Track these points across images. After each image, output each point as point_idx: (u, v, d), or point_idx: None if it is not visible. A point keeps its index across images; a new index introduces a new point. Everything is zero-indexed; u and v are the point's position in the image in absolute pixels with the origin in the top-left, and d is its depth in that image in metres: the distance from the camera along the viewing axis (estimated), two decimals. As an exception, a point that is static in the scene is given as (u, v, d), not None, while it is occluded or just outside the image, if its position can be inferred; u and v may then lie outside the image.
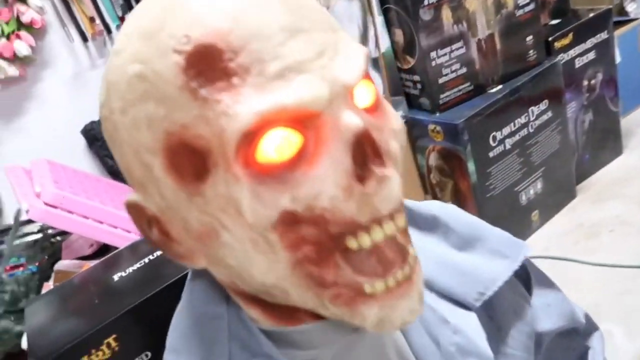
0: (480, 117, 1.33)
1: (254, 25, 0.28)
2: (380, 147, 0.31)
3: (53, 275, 1.38)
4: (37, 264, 1.66)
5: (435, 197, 1.60)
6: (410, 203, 0.46)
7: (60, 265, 1.36)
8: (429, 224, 0.45)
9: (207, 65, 0.29)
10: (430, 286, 0.43)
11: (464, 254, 0.44)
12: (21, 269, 1.64)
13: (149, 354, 0.92)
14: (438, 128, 1.40)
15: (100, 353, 0.87)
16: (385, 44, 1.39)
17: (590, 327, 0.59)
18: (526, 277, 0.51)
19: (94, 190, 1.59)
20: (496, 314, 0.45)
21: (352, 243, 0.31)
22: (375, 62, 1.40)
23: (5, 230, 1.61)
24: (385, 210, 0.31)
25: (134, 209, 0.36)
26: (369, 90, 0.33)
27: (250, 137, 0.29)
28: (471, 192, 1.42)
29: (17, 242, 1.62)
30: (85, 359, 0.87)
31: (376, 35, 1.37)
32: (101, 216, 1.36)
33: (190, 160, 0.30)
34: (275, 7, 0.29)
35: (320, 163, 0.30)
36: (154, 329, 0.94)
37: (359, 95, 0.32)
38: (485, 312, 0.45)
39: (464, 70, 1.34)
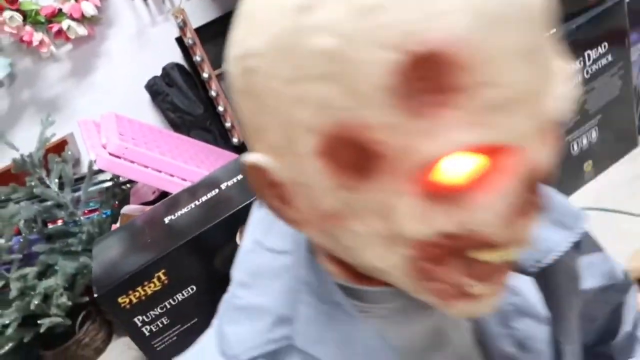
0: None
1: (499, 42, 0.24)
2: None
3: (120, 217, 1.53)
4: (109, 208, 1.85)
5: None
6: None
7: (126, 209, 1.50)
8: None
9: (432, 75, 0.24)
10: None
11: None
12: (96, 213, 1.83)
13: (194, 287, 1.02)
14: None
15: (152, 285, 0.98)
16: None
17: (627, 283, 0.60)
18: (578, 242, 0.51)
19: (155, 141, 1.71)
20: (552, 282, 0.46)
21: (473, 254, 0.30)
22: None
23: (82, 179, 1.79)
24: (524, 238, 0.30)
25: (255, 170, 0.32)
26: None
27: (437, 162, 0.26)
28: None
29: (92, 189, 1.80)
30: (139, 289, 0.98)
31: None
32: (159, 165, 1.47)
33: (354, 156, 0.27)
34: (520, 24, 0.24)
35: (494, 191, 0.27)
36: (200, 266, 1.04)
37: None
38: (544, 279, 0.45)
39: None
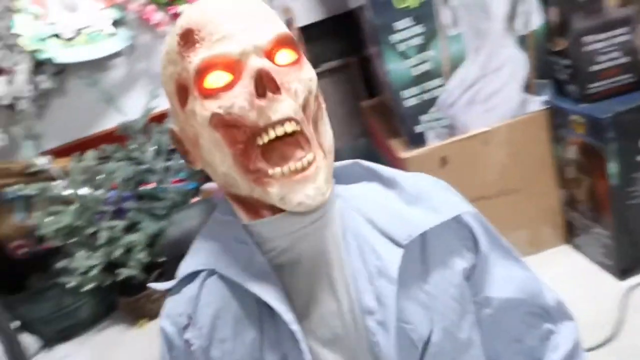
0: (634, 114, 1.19)
1: (211, 15, 0.50)
2: (278, 82, 0.48)
3: (200, 192, 1.65)
4: (195, 182, 1.99)
5: (569, 194, 1.48)
6: (378, 168, 0.60)
7: (206, 186, 1.61)
8: (390, 184, 0.58)
9: (186, 39, 0.51)
10: (375, 225, 0.55)
11: (409, 207, 0.56)
12: (183, 183, 1.99)
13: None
14: (581, 120, 1.28)
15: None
16: (537, 22, 1.29)
17: (560, 315, 0.62)
18: (474, 240, 0.58)
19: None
20: (426, 257, 0.55)
21: (259, 140, 0.49)
22: (522, 40, 1.31)
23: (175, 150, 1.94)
24: (275, 118, 0.48)
25: (172, 134, 0.57)
26: (289, 53, 0.51)
27: (200, 74, 0.49)
28: (609, 196, 1.30)
29: (182, 161, 1.95)
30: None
31: (527, 12, 1.28)
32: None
33: (183, 94, 0.52)
34: (227, 4, 0.51)
35: (236, 87, 0.49)
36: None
37: (280, 55, 0.51)
38: (420, 254, 0.55)
39: (624, 59, 1.19)
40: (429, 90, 1.44)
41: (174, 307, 0.58)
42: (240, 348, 0.54)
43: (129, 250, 1.92)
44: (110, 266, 1.89)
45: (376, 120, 1.78)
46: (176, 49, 0.51)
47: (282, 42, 0.51)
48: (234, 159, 0.50)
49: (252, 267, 0.54)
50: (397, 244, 0.53)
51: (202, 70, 0.49)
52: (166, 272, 0.75)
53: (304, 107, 0.51)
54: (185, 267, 0.59)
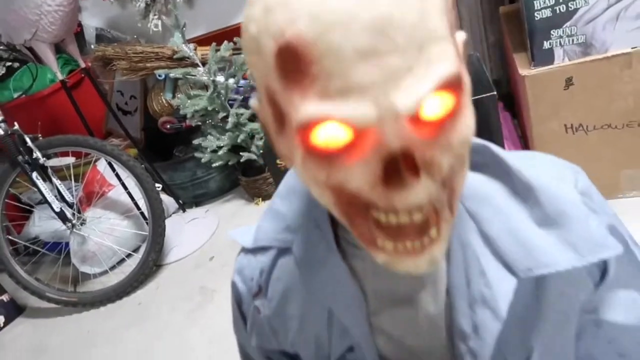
0: None
1: (334, 43, 0.31)
2: (418, 161, 0.35)
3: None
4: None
5: None
6: (517, 164, 0.47)
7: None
8: (523, 192, 0.46)
9: (290, 61, 0.33)
10: (490, 243, 0.45)
11: (539, 230, 0.45)
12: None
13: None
14: None
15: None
16: None
17: None
18: (605, 271, 0.48)
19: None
20: (542, 292, 0.46)
21: (374, 213, 0.38)
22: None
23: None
24: (401, 206, 0.35)
25: (256, 113, 0.44)
26: (444, 102, 0.34)
27: (305, 127, 0.34)
28: None
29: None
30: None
31: None
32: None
33: (277, 112, 0.37)
34: (358, 26, 0.31)
35: (356, 162, 0.35)
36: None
37: (431, 104, 0.34)
38: (536, 289, 0.46)
39: None
40: (566, 2, 1.29)
41: (246, 268, 0.56)
42: (307, 328, 0.53)
43: (251, 136, 2.13)
44: (236, 148, 2.12)
45: (508, 29, 1.65)
46: (271, 58, 0.34)
47: (442, 87, 0.33)
48: (335, 204, 0.39)
49: (328, 265, 0.49)
50: (513, 273, 0.44)
51: (310, 126, 0.34)
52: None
53: (446, 179, 0.37)
54: (263, 232, 0.54)
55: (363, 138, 0.34)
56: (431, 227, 0.38)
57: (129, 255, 2.13)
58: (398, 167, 0.34)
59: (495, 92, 1.33)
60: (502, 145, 1.24)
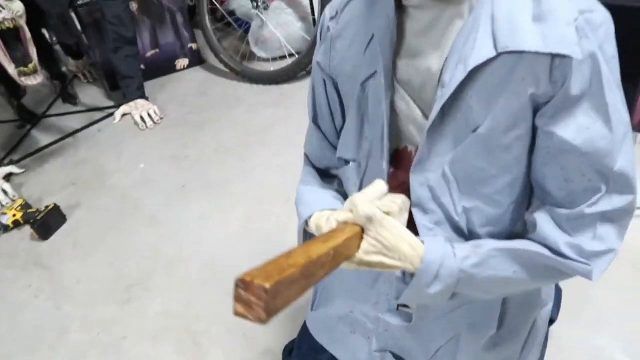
0: None
1: None
2: None
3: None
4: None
5: None
6: None
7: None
8: None
9: None
10: (492, 22, 0.56)
11: (531, 22, 0.55)
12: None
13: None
14: None
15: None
16: None
17: (619, 184, 0.59)
18: (564, 81, 0.55)
19: None
20: (510, 76, 0.56)
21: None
22: None
23: None
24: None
25: None
26: None
27: None
28: None
29: None
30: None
31: None
32: None
33: None
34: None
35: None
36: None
37: None
38: (508, 72, 0.56)
39: None
40: None
41: (336, 1, 0.72)
42: (351, 49, 0.68)
43: None
44: None
45: None
46: None
47: None
48: None
49: (383, 5, 0.62)
50: (495, 48, 0.55)
51: None
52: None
53: None
54: None
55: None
56: None
57: (290, 55, 2.42)
58: None
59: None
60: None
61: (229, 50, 2.51)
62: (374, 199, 0.62)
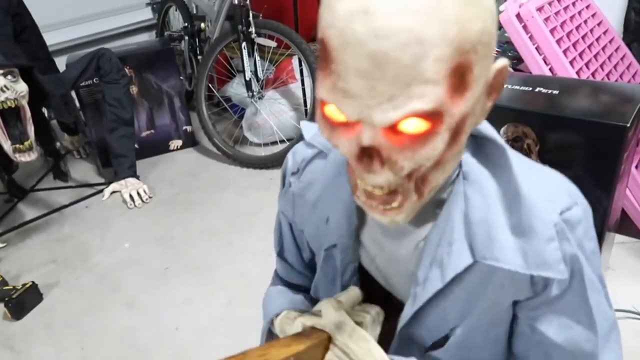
0: None
1: (346, 57, 0.41)
2: (384, 156, 0.44)
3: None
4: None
5: None
6: (521, 172, 0.54)
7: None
8: (511, 197, 0.53)
9: (323, 50, 0.43)
10: (467, 224, 0.54)
11: (509, 233, 0.53)
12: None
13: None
14: None
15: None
16: None
17: None
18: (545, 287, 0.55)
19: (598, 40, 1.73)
20: (489, 283, 0.55)
21: (357, 180, 0.50)
22: None
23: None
24: (367, 185, 0.48)
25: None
26: (419, 123, 0.42)
27: (320, 101, 0.46)
28: None
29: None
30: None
31: None
32: (546, 48, 1.57)
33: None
34: (363, 53, 0.39)
35: (346, 137, 0.46)
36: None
37: (407, 123, 0.42)
38: (487, 276, 0.55)
39: None
40: None
41: (298, 153, 0.69)
42: (313, 215, 0.66)
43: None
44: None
45: None
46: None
47: (417, 115, 0.42)
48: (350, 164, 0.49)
49: (341, 187, 0.61)
50: (472, 255, 0.53)
51: (322, 102, 0.46)
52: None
53: (410, 174, 0.47)
54: (318, 135, 0.67)
55: (351, 125, 0.45)
56: (394, 201, 0.49)
57: (282, 141, 2.50)
58: (371, 154, 0.45)
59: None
60: None
61: (223, 134, 2.59)
62: (347, 307, 0.59)
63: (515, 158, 0.55)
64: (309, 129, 0.70)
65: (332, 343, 0.56)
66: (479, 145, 0.56)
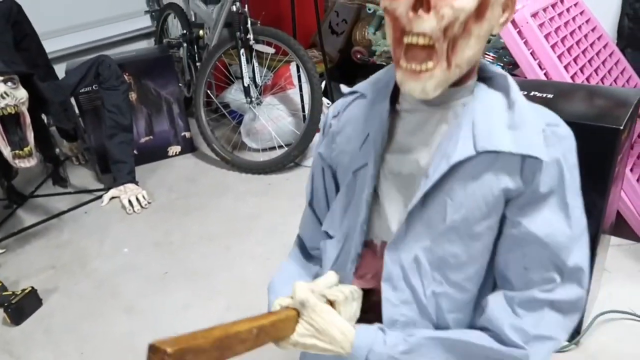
0: None
1: None
2: (432, 4, 0.57)
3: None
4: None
5: None
6: (515, 89, 0.67)
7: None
8: (510, 104, 0.66)
9: None
10: (473, 126, 0.65)
11: (506, 129, 0.64)
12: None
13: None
14: None
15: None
16: None
17: (572, 277, 0.67)
18: (534, 179, 0.64)
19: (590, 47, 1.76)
20: (485, 173, 0.65)
21: (404, 38, 0.61)
22: None
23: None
24: (415, 30, 0.59)
25: None
26: None
27: None
28: None
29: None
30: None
31: None
32: (541, 54, 1.59)
33: None
34: None
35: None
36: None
37: None
38: (484, 170, 0.65)
39: None
40: None
41: (338, 103, 0.81)
42: (350, 143, 0.76)
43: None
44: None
45: None
46: None
47: None
48: (392, 40, 0.64)
49: (380, 107, 0.72)
50: (474, 148, 0.64)
51: None
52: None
53: (446, 28, 0.59)
54: (356, 85, 0.80)
55: None
56: (430, 60, 0.61)
57: (280, 147, 2.51)
58: (422, 2, 0.58)
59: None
60: None
61: (221, 140, 2.60)
62: (323, 287, 0.70)
63: (517, 86, 0.68)
64: (347, 89, 0.82)
65: (300, 317, 0.66)
66: (488, 78, 0.69)
